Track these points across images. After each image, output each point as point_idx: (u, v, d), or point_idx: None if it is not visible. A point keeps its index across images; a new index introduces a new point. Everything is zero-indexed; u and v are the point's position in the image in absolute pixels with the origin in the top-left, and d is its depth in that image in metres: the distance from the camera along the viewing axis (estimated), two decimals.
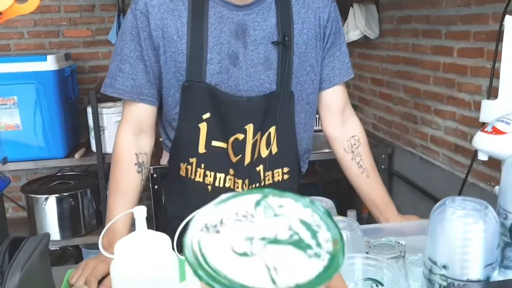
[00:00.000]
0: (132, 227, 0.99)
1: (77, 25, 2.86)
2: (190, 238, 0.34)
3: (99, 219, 2.60)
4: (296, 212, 0.34)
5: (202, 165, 1.11)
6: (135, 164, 1.13)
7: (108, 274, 0.95)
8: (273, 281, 0.31)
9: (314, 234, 0.32)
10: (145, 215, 0.69)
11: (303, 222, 0.33)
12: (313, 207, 0.34)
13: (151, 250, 0.66)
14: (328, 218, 0.34)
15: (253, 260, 0.32)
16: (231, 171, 1.11)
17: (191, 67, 1.06)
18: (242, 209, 0.35)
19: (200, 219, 0.35)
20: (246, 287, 0.30)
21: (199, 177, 1.12)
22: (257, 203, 0.36)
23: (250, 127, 1.08)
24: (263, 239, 0.33)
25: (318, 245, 0.32)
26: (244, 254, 0.32)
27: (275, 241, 0.32)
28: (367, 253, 0.82)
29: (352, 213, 2.56)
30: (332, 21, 1.16)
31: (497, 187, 0.79)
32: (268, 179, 1.15)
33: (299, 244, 0.32)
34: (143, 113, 1.13)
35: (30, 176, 2.90)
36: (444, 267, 0.62)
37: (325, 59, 1.18)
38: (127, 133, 1.13)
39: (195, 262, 0.31)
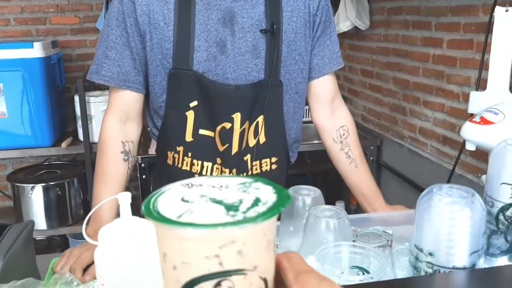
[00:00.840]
0: (118, 216, 0.98)
1: (65, 12, 2.82)
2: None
3: (86, 208, 2.58)
4: (260, 192, 0.34)
5: (189, 154, 1.10)
6: (122, 152, 1.11)
7: (93, 262, 0.94)
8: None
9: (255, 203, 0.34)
10: (130, 201, 0.68)
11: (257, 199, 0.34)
12: (279, 193, 0.34)
13: (135, 236, 0.66)
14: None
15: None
16: (219, 160, 1.10)
17: (178, 54, 1.04)
18: (225, 182, 0.36)
19: (190, 180, 0.37)
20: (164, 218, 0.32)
21: (186, 165, 1.11)
22: (242, 183, 0.36)
23: (237, 116, 1.07)
24: (210, 198, 0.34)
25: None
26: (187, 201, 0.34)
27: (215, 200, 0.34)
28: (354, 241, 0.82)
29: (340, 204, 2.57)
30: (322, 9, 1.14)
31: (484, 176, 0.80)
32: (256, 169, 1.14)
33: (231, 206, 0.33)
34: (129, 100, 1.12)
35: (17, 165, 2.86)
36: (430, 254, 0.62)
37: (315, 48, 1.17)
38: (113, 121, 1.12)
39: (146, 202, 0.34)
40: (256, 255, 0.33)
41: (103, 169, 1.11)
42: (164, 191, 0.35)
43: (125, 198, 0.67)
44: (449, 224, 0.59)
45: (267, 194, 0.34)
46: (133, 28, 1.06)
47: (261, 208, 0.32)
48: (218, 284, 0.32)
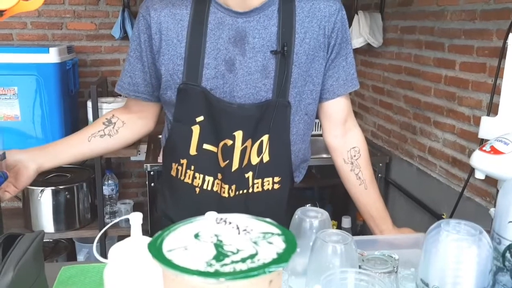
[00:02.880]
0: (71, 157, 1.17)
1: (81, 18, 2.86)
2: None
3: (94, 213, 2.60)
4: (267, 248, 0.35)
5: (192, 167, 1.12)
6: (105, 119, 1.22)
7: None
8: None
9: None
10: (141, 221, 0.69)
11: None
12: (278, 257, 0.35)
13: (145, 256, 0.66)
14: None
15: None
16: (219, 176, 1.12)
17: (188, 71, 1.07)
18: (253, 227, 0.37)
19: (226, 216, 0.39)
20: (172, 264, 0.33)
21: (188, 178, 1.13)
22: (265, 233, 0.36)
23: (239, 134, 1.08)
24: (217, 240, 0.35)
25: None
26: (196, 236, 0.36)
27: (218, 244, 0.35)
28: (360, 267, 0.83)
29: (347, 220, 2.56)
30: (338, 31, 1.13)
31: (492, 209, 0.80)
32: (257, 187, 1.14)
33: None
34: (142, 103, 1.22)
35: None
36: None
37: (330, 69, 1.16)
38: (120, 109, 1.26)
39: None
40: None
41: None
42: (194, 221, 0.37)
43: (136, 218, 0.68)
44: (456, 261, 0.59)
45: (270, 253, 0.34)
46: (146, 44, 1.11)
47: (241, 266, 0.32)
48: None
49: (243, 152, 1.10)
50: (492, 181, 1.65)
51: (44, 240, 2.85)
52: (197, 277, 0.31)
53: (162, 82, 1.11)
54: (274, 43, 1.07)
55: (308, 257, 0.86)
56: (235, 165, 1.10)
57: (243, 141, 1.09)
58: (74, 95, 2.63)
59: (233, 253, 0.33)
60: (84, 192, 2.56)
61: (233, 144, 1.09)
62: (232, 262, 0.32)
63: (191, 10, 1.07)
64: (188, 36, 1.07)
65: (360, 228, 2.61)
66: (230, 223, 0.37)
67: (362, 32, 2.47)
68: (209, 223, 0.37)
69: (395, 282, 0.84)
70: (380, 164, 2.46)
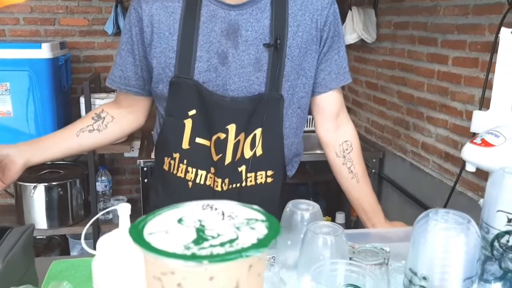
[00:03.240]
0: (59, 151, 1.18)
1: (74, 14, 2.84)
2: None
3: (87, 209, 2.59)
4: (248, 233, 0.35)
5: (185, 161, 1.12)
6: (94, 114, 1.21)
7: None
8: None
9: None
10: (129, 212, 0.68)
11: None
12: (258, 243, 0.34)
13: (133, 247, 0.66)
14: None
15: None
16: (212, 169, 1.11)
17: (180, 64, 1.06)
18: (238, 213, 0.37)
19: (212, 202, 0.39)
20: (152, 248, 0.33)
21: (181, 172, 1.12)
22: (249, 219, 0.36)
23: (232, 127, 1.08)
24: (200, 225, 0.35)
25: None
26: (180, 221, 0.36)
27: (200, 229, 0.35)
28: (350, 258, 0.83)
29: (340, 216, 2.57)
30: (330, 24, 1.13)
31: (481, 200, 0.80)
32: (251, 181, 1.14)
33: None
34: (133, 98, 1.20)
35: None
36: (424, 278, 0.63)
37: (322, 63, 1.16)
38: (109, 104, 1.25)
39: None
40: None
41: None
42: (180, 207, 0.37)
43: (125, 209, 0.68)
44: (444, 250, 0.60)
45: (250, 238, 0.34)
46: (138, 37, 1.10)
47: (219, 250, 0.32)
48: None
49: (236, 145, 1.10)
50: (483, 175, 1.66)
51: (37, 237, 2.84)
52: (175, 259, 0.31)
53: (153, 75, 1.10)
54: (267, 36, 1.07)
55: (299, 250, 0.86)
56: (228, 159, 1.10)
57: (236, 135, 1.09)
58: (66, 91, 2.61)
59: (213, 238, 0.33)
60: (77, 189, 2.55)
61: (226, 138, 1.09)
62: (211, 246, 0.32)
63: (183, 2, 1.07)
64: (180, 29, 1.06)
65: (354, 224, 2.62)
66: (216, 209, 0.37)
67: (356, 28, 2.48)
68: (194, 209, 0.37)
69: (386, 274, 0.84)
70: (374, 160, 2.46)
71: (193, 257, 0.31)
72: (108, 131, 1.21)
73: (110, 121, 1.21)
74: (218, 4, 1.06)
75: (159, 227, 0.34)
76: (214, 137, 1.09)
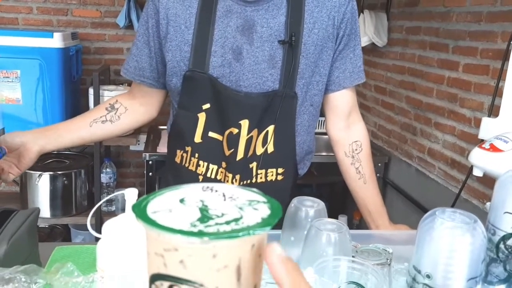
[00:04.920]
0: (72, 140, 1.17)
1: (87, 5, 2.86)
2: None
3: (91, 200, 2.60)
4: (253, 213, 0.35)
5: (196, 155, 1.11)
6: (108, 104, 1.21)
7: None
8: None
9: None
10: (136, 197, 0.69)
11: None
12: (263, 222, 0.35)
13: (139, 232, 0.66)
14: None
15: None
16: (224, 164, 1.11)
17: (195, 58, 1.06)
18: (238, 195, 0.37)
19: (212, 185, 0.40)
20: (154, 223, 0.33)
21: (192, 166, 1.12)
22: (251, 201, 0.37)
23: (245, 123, 1.08)
24: (203, 205, 0.36)
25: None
26: (182, 201, 0.36)
27: (203, 208, 0.35)
28: (353, 257, 0.82)
29: (343, 218, 2.57)
30: (347, 22, 1.11)
31: (488, 203, 0.80)
32: (261, 177, 1.13)
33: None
34: (146, 90, 1.21)
35: None
36: (428, 276, 0.63)
37: (337, 60, 1.15)
38: (123, 95, 1.25)
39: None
40: (203, 273, 0.32)
41: None
42: (180, 188, 0.37)
43: (132, 194, 0.68)
44: (449, 249, 0.59)
45: (254, 218, 0.34)
46: (154, 29, 1.10)
47: (225, 228, 0.32)
48: (170, 287, 0.33)
49: (248, 141, 1.09)
50: (489, 183, 1.65)
51: (40, 225, 2.85)
52: (180, 236, 0.31)
53: (168, 68, 1.11)
54: (282, 33, 1.06)
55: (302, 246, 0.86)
56: (240, 155, 1.10)
57: (249, 131, 1.08)
58: (76, 82, 2.63)
59: (218, 216, 0.33)
60: (82, 179, 2.56)
61: (239, 133, 1.08)
62: (216, 224, 0.32)
63: None
64: (196, 23, 1.06)
65: (356, 227, 2.61)
66: (216, 191, 0.38)
67: (367, 31, 2.47)
68: (195, 190, 0.38)
69: (387, 275, 0.84)
70: (379, 164, 2.46)
71: (200, 233, 0.31)
72: (120, 122, 1.21)
73: (123, 112, 1.21)
74: None
75: (161, 206, 0.34)
76: (227, 132, 1.09)
